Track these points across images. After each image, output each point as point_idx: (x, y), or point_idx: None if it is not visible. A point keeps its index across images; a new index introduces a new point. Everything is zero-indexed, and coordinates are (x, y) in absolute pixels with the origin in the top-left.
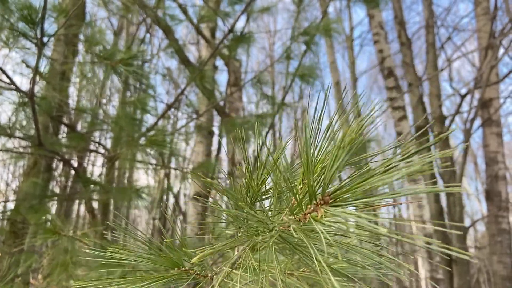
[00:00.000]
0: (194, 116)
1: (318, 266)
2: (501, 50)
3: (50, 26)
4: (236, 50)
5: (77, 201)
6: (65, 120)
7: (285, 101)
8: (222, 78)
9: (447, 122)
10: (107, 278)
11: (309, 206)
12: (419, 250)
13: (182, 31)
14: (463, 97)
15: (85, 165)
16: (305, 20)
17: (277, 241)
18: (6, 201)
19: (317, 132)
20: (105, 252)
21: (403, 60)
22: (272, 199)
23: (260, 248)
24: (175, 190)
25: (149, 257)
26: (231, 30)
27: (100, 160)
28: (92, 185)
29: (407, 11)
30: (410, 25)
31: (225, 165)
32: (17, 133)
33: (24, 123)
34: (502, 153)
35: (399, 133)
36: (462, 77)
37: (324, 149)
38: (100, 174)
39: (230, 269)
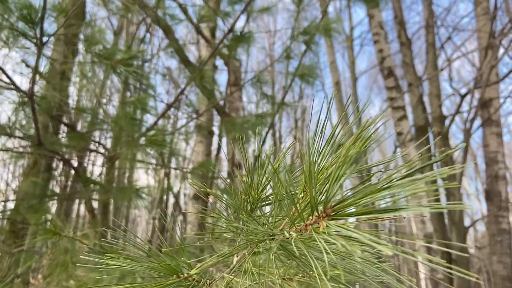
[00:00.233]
0: (194, 116)
1: (318, 276)
2: (501, 50)
3: (50, 25)
4: (236, 50)
5: (77, 201)
6: (65, 119)
7: (285, 100)
8: (222, 78)
9: (447, 122)
10: (104, 286)
11: (310, 217)
12: (419, 250)
13: (182, 31)
14: (463, 97)
15: (85, 164)
16: (305, 20)
17: (277, 249)
18: (6, 201)
19: (320, 137)
20: (103, 258)
21: (403, 60)
22: (273, 206)
23: (260, 254)
24: (175, 190)
25: (147, 264)
26: (231, 30)
27: (100, 160)
28: (92, 185)
29: (407, 11)
30: (410, 25)
31: (225, 165)
32: (17, 133)
33: (24, 122)
34: (502, 153)
35: (399, 133)
36: (462, 77)
37: (326, 156)
38: (100, 174)
39: (232, 277)
